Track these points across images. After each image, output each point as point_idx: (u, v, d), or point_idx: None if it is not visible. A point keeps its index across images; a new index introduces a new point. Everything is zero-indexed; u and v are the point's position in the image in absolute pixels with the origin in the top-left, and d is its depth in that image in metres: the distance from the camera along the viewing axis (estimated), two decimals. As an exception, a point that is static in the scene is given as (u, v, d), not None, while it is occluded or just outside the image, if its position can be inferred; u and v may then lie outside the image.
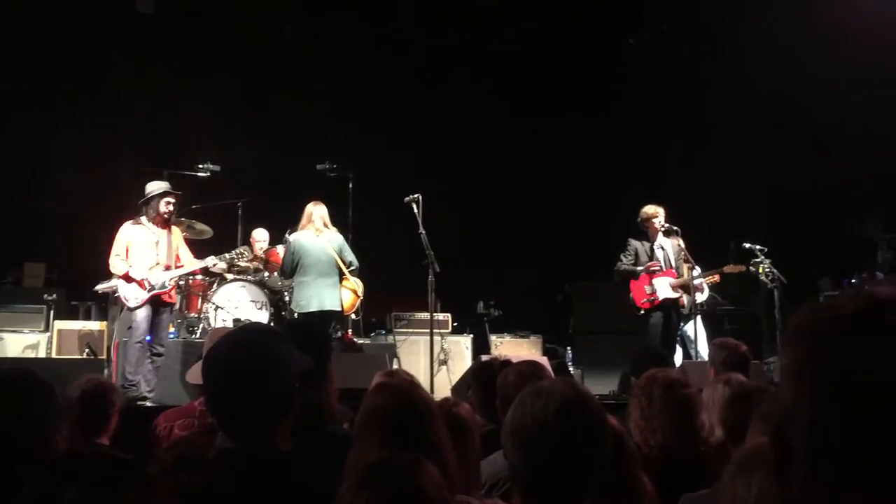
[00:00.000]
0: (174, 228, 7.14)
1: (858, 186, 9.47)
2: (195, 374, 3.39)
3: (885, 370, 0.85)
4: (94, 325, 8.33)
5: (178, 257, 7.09)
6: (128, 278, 6.75)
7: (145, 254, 6.83)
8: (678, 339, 7.97)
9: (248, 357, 1.87)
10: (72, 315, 8.68)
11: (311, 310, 7.05)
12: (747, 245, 7.75)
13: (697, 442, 2.67)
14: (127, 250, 6.81)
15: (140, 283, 6.73)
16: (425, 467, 1.58)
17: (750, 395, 2.81)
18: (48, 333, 8.12)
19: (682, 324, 7.99)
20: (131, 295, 6.74)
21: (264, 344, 1.92)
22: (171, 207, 6.97)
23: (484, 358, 5.90)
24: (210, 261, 7.37)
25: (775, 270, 7.57)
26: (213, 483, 1.83)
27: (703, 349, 7.73)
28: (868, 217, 9.62)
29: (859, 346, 0.87)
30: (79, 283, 8.70)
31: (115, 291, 7.46)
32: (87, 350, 7.83)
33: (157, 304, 6.82)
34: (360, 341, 8.13)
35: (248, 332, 2.17)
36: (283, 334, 2.09)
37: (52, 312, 8.32)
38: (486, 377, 3.67)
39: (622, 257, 7.89)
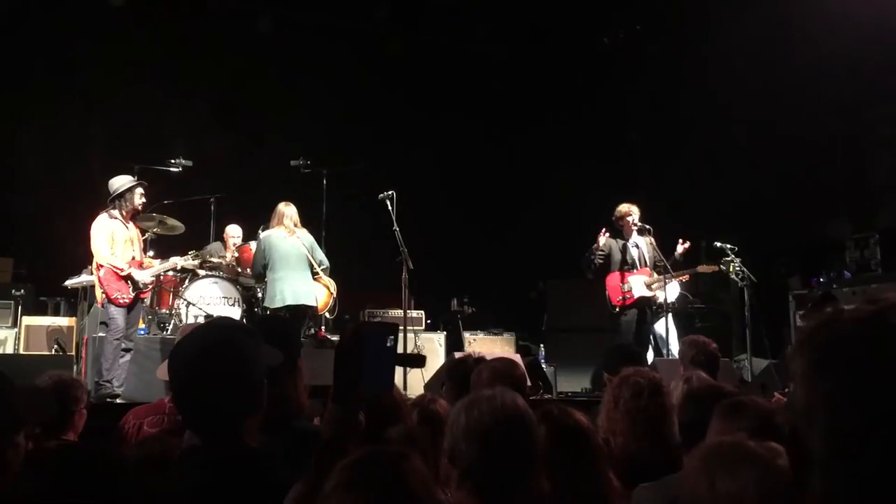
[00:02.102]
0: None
1: (827, 188, 9.61)
2: (165, 370, 3.37)
3: (869, 370, 0.85)
4: (63, 321, 8.21)
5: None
6: (117, 274, 6.55)
7: (124, 250, 6.70)
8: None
9: (213, 353, 1.84)
10: (40, 311, 8.55)
11: (287, 303, 7.03)
12: (718, 244, 7.83)
13: (661, 447, 2.68)
14: (110, 244, 6.62)
15: (125, 281, 6.60)
16: (411, 463, 1.57)
17: (701, 395, 2.83)
18: (16, 329, 8.00)
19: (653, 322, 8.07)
20: (119, 292, 6.56)
21: (231, 339, 1.88)
22: (144, 199, 6.88)
23: (458, 354, 5.91)
24: (174, 261, 7.27)
25: (745, 269, 7.66)
26: (178, 480, 1.81)
27: (675, 347, 7.80)
28: (836, 218, 9.76)
29: (871, 348, 0.87)
30: (47, 278, 8.58)
31: (87, 286, 7.39)
32: (55, 346, 7.72)
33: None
34: (334, 338, 8.10)
35: (214, 327, 2.11)
36: (251, 329, 2.05)
37: (20, 308, 8.20)
38: (460, 374, 3.69)
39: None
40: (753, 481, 1.54)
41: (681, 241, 7.82)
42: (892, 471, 0.84)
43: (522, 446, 1.96)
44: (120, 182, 6.79)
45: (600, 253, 7.81)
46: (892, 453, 0.84)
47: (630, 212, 7.87)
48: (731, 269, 7.68)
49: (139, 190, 6.81)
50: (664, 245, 7.84)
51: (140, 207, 6.85)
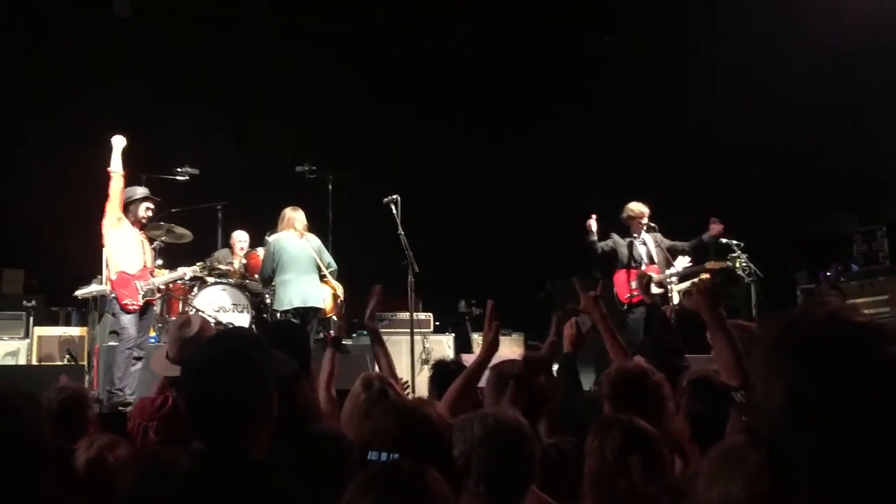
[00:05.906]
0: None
1: (834, 181, 9.59)
2: (157, 363, 3.46)
3: (854, 367, 0.88)
4: (75, 331, 8.27)
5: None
6: (124, 279, 6.61)
7: (134, 255, 6.75)
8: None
9: (221, 366, 1.87)
10: (52, 321, 8.61)
11: (296, 306, 7.08)
12: (724, 240, 7.81)
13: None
14: (122, 247, 6.69)
15: (134, 288, 6.64)
16: (432, 473, 1.60)
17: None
18: (28, 340, 8.05)
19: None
20: (130, 298, 6.61)
21: (239, 351, 1.92)
22: (150, 213, 6.93)
23: (433, 362, 5.96)
24: (183, 271, 7.32)
25: (752, 265, 7.65)
26: (177, 490, 1.84)
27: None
28: (843, 211, 9.74)
29: (826, 349, 0.90)
30: (59, 288, 8.63)
31: (98, 295, 7.44)
32: (67, 356, 7.78)
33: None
34: (345, 342, 8.11)
35: (222, 339, 2.16)
36: (260, 341, 2.08)
37: (31, 319, 8.26)
38: (445, 378, 3.71)
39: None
40: (742, 484, 1.54)
41: (713, 220, 7.64)
42: (851, 470, 0.86)
43: (530, 452, 2.15)
44: (130, 192, 6.88)
45: (602, 244, 7.78)
46: (850, 453, 0.86)
47: (643, 214, 7.80)
48: (737, 265, 7.66)
49: (145, 204, 6.89)
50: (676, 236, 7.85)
51: (144, 221, 6.92)
